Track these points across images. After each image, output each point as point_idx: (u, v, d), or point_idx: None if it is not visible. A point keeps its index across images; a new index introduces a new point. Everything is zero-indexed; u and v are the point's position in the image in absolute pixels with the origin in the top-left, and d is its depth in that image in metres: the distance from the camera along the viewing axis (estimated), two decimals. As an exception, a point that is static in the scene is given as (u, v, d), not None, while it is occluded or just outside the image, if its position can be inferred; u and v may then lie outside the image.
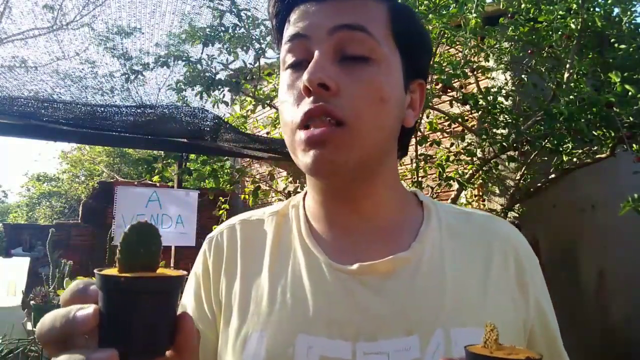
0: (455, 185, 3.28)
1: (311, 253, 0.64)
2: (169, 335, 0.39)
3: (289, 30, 0.62)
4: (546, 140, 2.76)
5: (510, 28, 2.86)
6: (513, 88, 3.22)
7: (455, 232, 0.67)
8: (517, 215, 3.42)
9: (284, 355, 0.57)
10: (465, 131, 3.33)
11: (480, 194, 3.76)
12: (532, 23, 2.82)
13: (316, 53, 0.58)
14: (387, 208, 0.66)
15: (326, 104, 0.56)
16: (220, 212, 4.08)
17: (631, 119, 2.34)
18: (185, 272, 0.42)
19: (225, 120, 3.39)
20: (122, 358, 0.36)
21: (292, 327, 0.59)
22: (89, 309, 0.38)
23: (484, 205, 3.77)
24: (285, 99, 0.61)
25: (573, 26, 2.69)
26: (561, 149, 2.79)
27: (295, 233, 0.67)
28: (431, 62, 3.02)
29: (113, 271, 0.39)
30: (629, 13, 2.67)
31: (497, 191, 3.64)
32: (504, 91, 3.10)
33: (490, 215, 0.73)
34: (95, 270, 0.39)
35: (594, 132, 2.64)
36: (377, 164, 0.63)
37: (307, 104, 0.57)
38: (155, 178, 4.17)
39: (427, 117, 3.45)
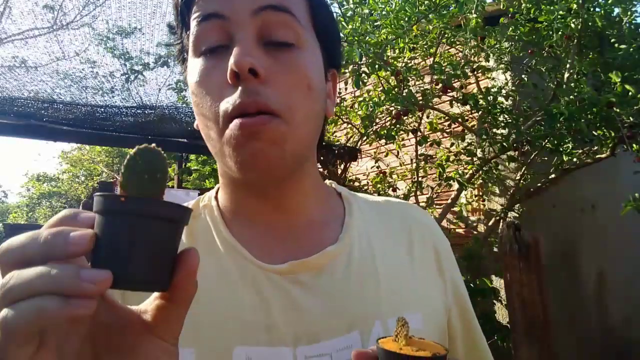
0: (455, 185, 3.28)
1: (238, 255, 0.58)
2: (170, 270, 0.35)
3: (202, 9, 0.55)
4: (546, 140, 2.76)
5: (511, 28, 2.87)
6: (513, 88, 3.22)
7: (376, 221, 0.67)
8: (517, 215, 3.42)
9: None
10: (465, 131, 3.33)
11: (480, 194, 3.76)
12: (532, 23, 2.83)
13: (239, 35, 0.53)
14: (311, 202, 0.63)
15: (258, 97, 0.51)
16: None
17: (631, 119, 2.34)
18: (192, 208, 0.37)
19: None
20: (115, 285, 0.32)
21: (227, 339, 0.53)
22: (85, 230, 0.33)
23: (484, 205, 3.78)
24: (202, 89, 0.55)
25: (573, 26, 2.69)
26: (561, 149, 2.79)
27: (214, 235, 0.61)
28: (431, 62, 3.02)
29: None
30: (629, 13, 2.67)
31: (497, 191, 3.64)
32: (504, 91, 3.10)
33: (404, 202, 0.74)
34: (94, 194, 0.35)
35: (594, 132, 2.64)
36: (305, 157, 0.60)
37: (237, 95, 0.51)
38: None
39: (427, 117, 3.46)
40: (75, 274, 0.31)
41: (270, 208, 0.61)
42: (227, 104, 0.52)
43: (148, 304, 0.39)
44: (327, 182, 0.72)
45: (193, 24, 0.56)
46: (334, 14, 0.67)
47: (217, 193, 0.66)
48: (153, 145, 0.36)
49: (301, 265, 0.57)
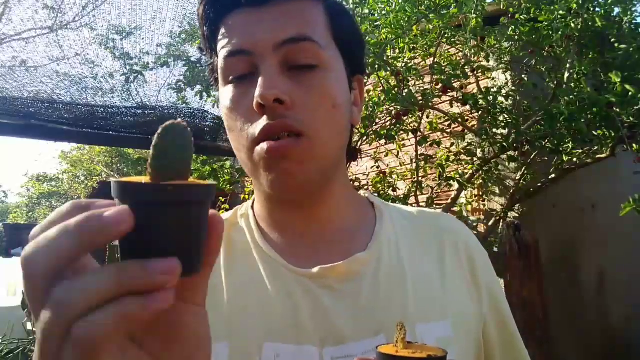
0: (455, 185, 3.28)
1: (270, 259, 0.62)
2: (203, 248, 0.35)
3: (228, 44, 0.58)
4: (546, 140, 2.76)
5: (511, 28, 2.86)
6: (513, 88, 3.22)
7: (407, 231, 0.68)
8: (517, 215, 3.42)
9: None
10: (465, 131, 3.33)
11: (480, 194, 3.76)
12: (532, 23, 2.82)
13: (264, 67, 0.56)
14: (342, 211, 0.66)
15: (284, 119, 0.55)
16: (221, 212, 4.08)
17: (631, 119, 2.34)
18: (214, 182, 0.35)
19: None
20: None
21: (258, 335, 0.56)
22: (119, 208, 0.29)
23: (484, 205, 3.77)
24: (233, 115, 0.59)
25: (573, 26, 2.69)
26: (561, 149, 2.79)
27: (249, 241, 0.65)
28: (431, 62, 3.02)
29: (137, 180, 0.32)
30: (629, 13, 2.67)
31: (497, 191, 3.64)
32: (504, 91, 3.10)
33: (438, 212, 0.75)
34: (114, 180, 0.31)
35: (594, 132, 2.64)
36: (334, 170, 0.63)
37: (263, 120, 0.55)
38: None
39: (427, 117, 3.45)
40: (142, 268, 0.28)
41: (302, 218, 0.64)
42: (255, 128, 0.56)
43: None
44: (361, 192, 0.74)
45: (220, 55, 0.60)
46: (355, 21, 0.68)
47: (253, 203, 0.70)
48: (179, 120, 0.33)
49: (331, 270, 0.60)
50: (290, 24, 0.57)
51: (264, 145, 0.55)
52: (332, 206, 0.64)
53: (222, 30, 0.60)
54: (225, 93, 0.60)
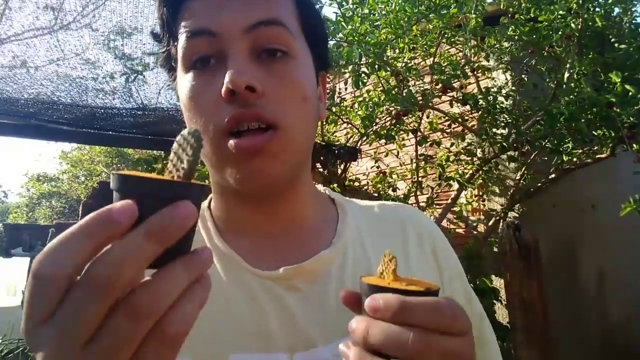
0: (455, 185, 3.28)
1: (232, 263, 0.58)
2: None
3: (190, 23, 0.54)
4: (546, 140, 2.76)
5: (511, 28, 2.87)
6: (513, 88, 3.22)
7: (370, 225, 0.66)
8: (517, 215, 3.42)
9: None
10: (465, 131, 3.33)
11: (480, 194, 3.76)
12: (532, 23, 2.83)
13: (232, 51, 0.52)
14: (305, 209, 0.63)
15: (255, 107, 0.51)
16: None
17: (631, 119, 2.34)
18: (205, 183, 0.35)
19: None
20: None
21: (223, 346, 0.52)
22: (123, 203, 0.30)
23: (484, 205, 3.78)
24: (195, 104, 0.54)
25: (573, 26, 2.69)
26: (561, 149, 2.80)
27: (207, 244, 0.60)
28: (431, 62, 3.02)
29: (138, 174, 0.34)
30: (629, 13, 2.67)
31: (497, 191, 3.64)
32: (504, 91, 3.10)
33: (398, 204, 0.74)
34: (114, 173, 0.33)
35: (594, 132, 2.65)
36: (303, 165, 0.61)
37: (232, 107, 0.51)
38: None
39: (427, 117, 3.45)
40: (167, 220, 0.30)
41: (265, 216, 0.61)
42: (222, 118, 0.52)
43: None
44: (321, 188, 0.72)
45: (182, 37, 0.55)
46: (322, 15, 0.67)
47: (210, 203, 0.67)
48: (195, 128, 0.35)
49: (295, 270, 0.57)
50: (260, 7, 0.54)
51: (231, 142, 0.52)
52: (295, 204, 0.62)
53: (185, 12, 0.55)
54: (186, 81, 0.55)
